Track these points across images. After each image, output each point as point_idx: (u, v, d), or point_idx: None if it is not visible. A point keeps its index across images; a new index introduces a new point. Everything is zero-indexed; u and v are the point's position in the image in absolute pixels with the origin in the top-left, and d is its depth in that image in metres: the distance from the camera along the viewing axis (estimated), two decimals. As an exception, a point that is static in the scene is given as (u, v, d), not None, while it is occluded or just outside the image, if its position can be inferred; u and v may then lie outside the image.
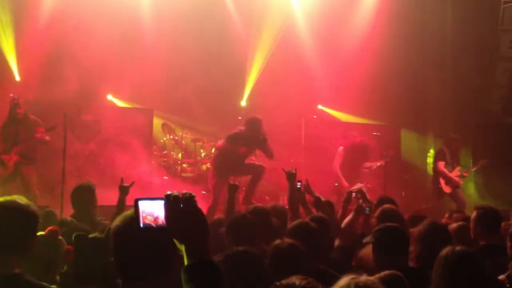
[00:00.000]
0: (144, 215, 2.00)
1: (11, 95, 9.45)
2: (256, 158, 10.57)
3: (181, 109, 11.52)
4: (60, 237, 3.38)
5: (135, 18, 11.17)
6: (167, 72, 11.28)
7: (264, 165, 8.85)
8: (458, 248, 3.35)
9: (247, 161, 8.77)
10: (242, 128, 8.50)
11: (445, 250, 3.34)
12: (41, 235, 3.21)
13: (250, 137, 8.31)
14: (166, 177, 10.36)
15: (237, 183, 5.73)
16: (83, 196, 5.42)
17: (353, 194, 5.90)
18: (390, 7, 11.13)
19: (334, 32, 11.53)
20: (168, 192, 1.98)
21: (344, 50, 11.50)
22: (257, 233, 4.28)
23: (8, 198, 2.74)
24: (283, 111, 11.56)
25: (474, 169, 9.58)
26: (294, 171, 5.85)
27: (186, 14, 11.11)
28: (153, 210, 2.00)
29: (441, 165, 9.64)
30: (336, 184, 9.59)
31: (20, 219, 2.66)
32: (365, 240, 4.05)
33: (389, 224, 3.94)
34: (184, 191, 2.01)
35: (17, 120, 8.13)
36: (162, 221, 1.98)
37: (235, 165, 8.41)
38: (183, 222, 1.94)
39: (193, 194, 2.02)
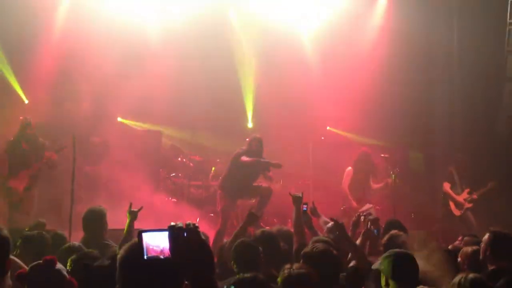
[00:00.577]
0: (149, 247, 2.00)
1: (20, 117, 9.58)
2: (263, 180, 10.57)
3: (189, 130, 11.57)
4: (57, 266, 3.22)
5: (143, 39, 11.28)
6: (175, 93, 11.37)
7: (271, 187, 8.84)
8: (471, 275, 3.31)
9: (254, 183, 8.78)
10: (244, 147, 8.52)
11: (457, 278, 3.30)
12: (37, 264, 3.12)
13: (252, 156, 8.36)
14: (174, 200, 10.36)
15: (258, 214, 5.65)
16: (95, 220, 5.43)
17: (362, 217, 5.86)
18: (396, 27, 11.17)
19: (341, 52, 11.57)
20: (172, 223, 1.99)
21: (351, 70, 11.53)
22: (264, 258, 4.28)
23: None
24: (291, 133, 11.60)
25: (484, 191, 9.48)
26: (300, 195, 5.83)
27: (193, 35, 11.21)
28: (157, 242, 2.01)
29: (447, 186, 9.57)
30: (344, 206, 9.54)
31: None
32: (374, 266, 4.02)
33: (398, 250, 3.91)
34: (188, 222, 2.01)
35: (26, 140, 8.11)
36: (167, 252, 1.98)
37: (242, 187, 8.42)
38: (188, 254, 1.94)
39: (197, 225, 2.02)
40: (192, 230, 1.98)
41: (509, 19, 9.55)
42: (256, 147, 8.46)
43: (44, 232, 5.16)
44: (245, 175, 8.40)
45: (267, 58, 11.78)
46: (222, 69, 11.54)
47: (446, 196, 9.65)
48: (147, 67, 11.32)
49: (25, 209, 8.11)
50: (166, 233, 1.99)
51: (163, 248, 2.01)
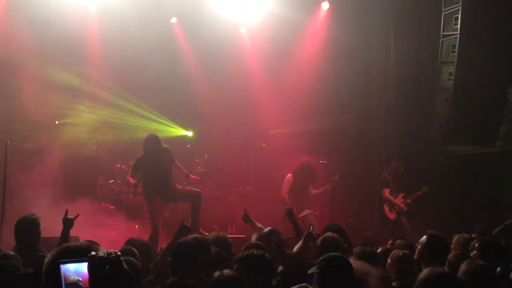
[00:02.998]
0: (67, 279, 1.90)
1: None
2: (206, 185, 10.55)
3: (126, 136, 11.39)
4: None
5: (81, 39, 11.03)
6: (112, 99, 11.22)
7: (200, 191, 8.84)
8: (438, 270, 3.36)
9: (180, 186, 8.75)
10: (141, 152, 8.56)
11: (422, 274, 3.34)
12: None
13: (149, 155, 8.38)
14: (113, 207, 10.17)
15: (187, 225, 5.58)
16: (28, 228, 5.24)
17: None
18: (335, 37, 11.43)
19: (281, 59, 11.74)
20: (93, 253, 1.89)
21: (291, 77, 11.71)
22: (196, 263, 4.28)
23: None
24: (232, 140, 11.63)
25: (417, 195, 9.83)
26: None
27: (136, 42, 11.07)
28: (76, 273, 1.91)
29: (387, 192, 9.85)
30: (284, 211, 9.62)
31: None
32: (310, 271, 4.08)
33: (333, 254, 3.98)
34: (109, 251, 1.91)
35: None
36: (86, 284, 1.88)
37: (158, 187, 8.34)
38: (109, 284, 1.85)
39: (119, 253, 1.91)
40: (114, 260, 1.87)
41: (442, 31, 9.95)
42: (145, 143, 8.48)
43: None
44: (155, 176, 8.34)
45: (208, 65, 11.79)
46: (163, 75, 11.44)
47: (382, 201, 9.93)
48: (86, 70, 11.15)
49: None
50: (85, 264, 1.87)
51: (81, 279, 1.90)
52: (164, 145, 8.62)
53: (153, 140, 8.48)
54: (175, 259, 4.27)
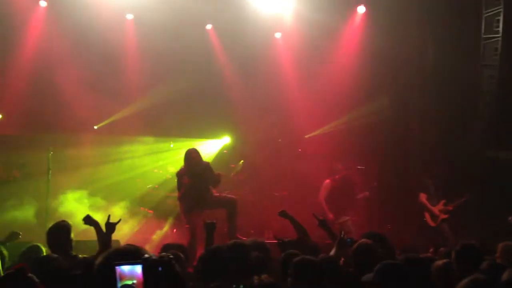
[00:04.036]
0: (122, 279, 1.95)
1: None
2: (242, 190, 10.55)
3: (162, 141, 11.50)
4: (30, 274, 3.24)
5: (118, 50, 11.25)
6: (151, 105, 11.36)
7: (235, 198, 8.86)
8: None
9: (217, 193, 8.79)
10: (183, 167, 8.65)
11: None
12: (9, 272, 3.12)
13: (190, 169, 8.46)
14: (151, 211, 10.29)
15: (213, 221, 5.66)
16: (59, 233, 5.34)
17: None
18: (371, 41, 11.30)
19: (317, 65, 11.68)
20: (146, 256, 1.95)
21: (327, 82, 11.63)
22: (234, 268, 4.27)
23: None
24: (268, 145, 11.63)
25: (459, 202, 9.58)
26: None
27: (171, 47, 11.21)
28: (131, 275, 1.96)
29: (423, 197, 9.65)
30: (321, 217, 9.53)
31: None
32: (365, 279, 4.00)
33: (390, 262, 3.92)
34: (162, 254, 1.97)
35: None
36: (140, 285, 1.93)
37: (198, 200, 8.42)
38: (161, 287, 1.89)
39: (172, 256, 1.97)
40: (167, 263, 1.93)
41: (483, 34, 9.73)
42: (189, 158, 8.56)
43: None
44: (196, 189, 8.43)
45: (244, 72, 11.82)
46: (199, 80, 11.54)
47: (422, 207, 9.73)
48: (122, 76, 11.34)
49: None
50: (139, 266, 1.93)
51: (136, 281, 1.95)
52: (204, 160, 8.69)
53: (194, 155, 8.58)
54: (205, 264, 4.28)
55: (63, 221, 5.55)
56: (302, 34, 11.57)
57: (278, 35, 12.25)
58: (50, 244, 5.28)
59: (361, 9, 11.74)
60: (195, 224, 8.38)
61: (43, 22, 10.73)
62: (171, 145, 10.52)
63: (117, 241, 6.83)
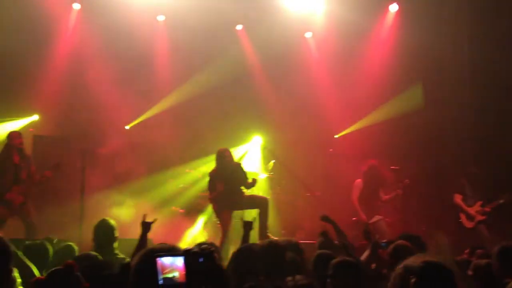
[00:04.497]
0: (164, 271, 1.96)
1: (30, 129, 9.67)
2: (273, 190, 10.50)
3: (193, 142, 11.56)
4: (77, 273, 3.29)
5: (150, 50, 11.36)
6: (182, 106, 11.44)
7: (267, 198, 8.84)
8: None
9: (245, 194, 8.78)
10: (215, 167, 8.66)
11: None
12: (57, 269, 3.16)
13: (222, 169, 8.48)
14: (182, 210, 10.35)
15: (251, 221, 5.69)
16: (106, 232, 5.45)
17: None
18: (405, 40, 11.14)
19: (348, 64, 11.56)
20: (187, 248, 1.96)
21: (358, 82, 11.53)
22: (269, 268, 4.24)
23: None
24: (299, 145, 11.57)
25: (497, 203, 9.31)
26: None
27: (200, 46, 11.27)
28: (172, 266, 1.98)
29: (458, 198, 9.41)
30: (354, 218, 9.46)
31: None
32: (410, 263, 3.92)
33: (433, 260, 3.83)
34: (203, 246, 1.98)
35: (19, 153, 8.03)
36: (182, 277, 1.93)
37: (230, 200, 8.43)
38: (203, 279, 1.89)
39: (213, 249, 1.98)
40: (208, 255, 1.92)
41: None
42: (221, 157, 8.56)
43: (45, 242, 5.19)
44: (227, 189, 8.44)
45: (274, 72, 11.80)
46: (229, 81, 11.57)
47: (457, 208, 9.52)
48: (156, 78, 11.46)
49: (24, 222, 8.05)
50: (180, 258, 1.94)
51: (177, 272, 1.96)
52: (236, 161, 8.74)
53: (226, 154, 8.61)
54: (238, 263, 4.26)
55: (109, 218, 5.64)
56: (333, 33, 11.50)
57: (308, 34, 12.18)
58: (95, 241, 5.39)
59: (394, 7, 11.60)
60: (227, 224, 8.43)
61: (77, 24, 10.92)
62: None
63: (150, 240, 6.89)
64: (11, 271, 2.54)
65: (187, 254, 1.91)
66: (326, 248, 5.00)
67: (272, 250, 4.43)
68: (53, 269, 3.15)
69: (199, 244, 5.19)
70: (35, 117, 10.73)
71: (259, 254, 4.28)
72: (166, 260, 1.96)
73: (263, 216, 8.50)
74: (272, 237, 8.23)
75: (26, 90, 10.28)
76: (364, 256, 5.22)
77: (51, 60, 10.67)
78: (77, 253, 5.26)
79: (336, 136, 11.95)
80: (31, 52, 10.17)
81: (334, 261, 4.06)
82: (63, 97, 10.69)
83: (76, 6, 10.93)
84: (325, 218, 6.19)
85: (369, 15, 11.39)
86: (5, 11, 9.69)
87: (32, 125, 10.63)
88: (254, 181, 8.66)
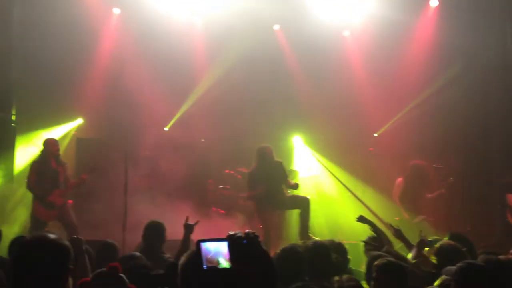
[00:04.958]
0: (208, 256, 1.97)
1: (74, 132, 9.91)
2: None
3: (235, 143, 11.61)
4: (121, 274, 3.33)
5: (190, 52, 11.47)
6: (220, 106, 11.50)
7: (308, 197, 8.76)
8: None
9: (286, 194, 8.72)
10: (254, 165, 8.58)
11: None
12: (102, 271, 3.21)
13: (263, 167, 8.37)
14: (223, 211, 10.39)
15: (192, 224, 5.52)
16: (155, 232, 5.54)
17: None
18: (445, 38, 10.91)
19: (387, 63, 11.40)
20: (231, 232, 1.95)
21: (398, 81, 11.36)
22: (316, 269, 4.22)
23: (37, 233, 2.67)
24: (338, 144, 11.48)
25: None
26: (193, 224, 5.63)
27: (239, 48, 11.31)
28: (216, 252, 1.98)
29: (510, 197, 9.16)
30: (397, 218, 9.31)
31: (51, 253, 2.54)
32: (446, 272, 3.85)
33: (472, 262, 3.78)
34: (247, 231, 1.97)
35: (56, 160, 8.27)
36: (226, 263, 1.94)
37: (272, 198, 8.36)
38: (249, 265, 1.89)
39: (257, 234, 1.98)
40: (253, 239, 1.92)
41: None
42: (263, 154, 8.49)
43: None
44: (268, 188, 8.38)
45: (312, 71, 11.73)
46: (268, 81, 11.58)
47: (504, 208, 9.25)
48: (194, 79, 11.57)
49: (65, 223, 8.25)
50: (225, 243, 1.95)
51: (221, 257, 1.97)
52: (277, 159, 8.67)
53: (267, 151, 8.52)
54: (282, 264, 4.25)
55: (158, 221, 5.73)
56: (371, 31, 11.34)
57: (346, 33, 12.07)
58: (144, 241, 5.49)
59: (434, 3, 11.38)
60: (268, 224, 8.39)
61: (117, 29, 11.12)
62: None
63: (192, 241, 6.95)
64: (72, 270, 2.60)
65: (231, 239, 1.89)
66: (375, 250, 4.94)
67: (317, 250, 4.41)
68: (98, 271, 3.21)
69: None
70: (79, 121, 11.00)
71: (304, 255, 4.26)
72: (210, 245, 1.94)
73: (304, 216, 8.44)
74: (314, 237, 8.20)
75: (70, 94, 10.52)
76: (411, 255, 5.14)
77: (93, 64, 10.89)
78: (118, 253, 5.36)
79: (375, 135, 11.81)
80: (74, 57, 10.38)
81: (377, 262, 4.01)
82: (104, 99, 10.91)
83: (116, 10, 11.13)
84: (362, 219, 6.11)
85: (408, 12, 11.19)
86: (49, 18, 9.93)
87: (75, 127, 10.90)
88: (296, 185, 8.59)
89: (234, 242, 1.91)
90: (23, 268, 2.46)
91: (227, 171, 10.95)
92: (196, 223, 5.44)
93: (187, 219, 5.42)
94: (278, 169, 8.57)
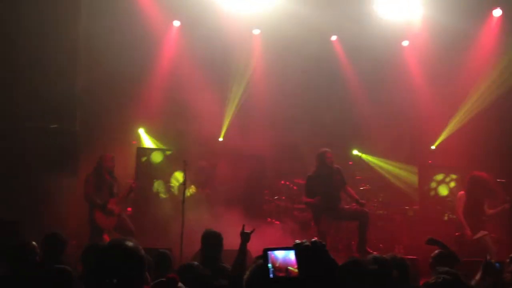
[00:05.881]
0: (275, 265, 1.97)
1: (133, 142, 10.18)
2: (370, 203, 10.29)
3: (291, 154, 11.60)
4: (180, 284, 3.35)
5: (245, 62, 11.57)
6: (277, 119, 11.53)
7: (367, 211, 8.61)
8: None
9: (347, 206, 8.59)
10: (313, 169, 8.53)
11: None
12: (160, 281, 3.24)
13: (322, 170, 8.30)
14: (278, 222, 10.38)
15: (249, 232, 5.45)
16: (213, 241, 5.59)
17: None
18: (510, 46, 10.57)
19: (448, 73, 11.13)
20: (298, 242, 1.95)
21: (457, 92, 11.07)
22: (375, 284, 4.12)
23: (116, 240, 2.68)
24: (396, 156, 11.28)
25: None
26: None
27: (294, 58, 11.32)
28: (283, 261, 1.97)
29: None
30: (457, 233, 9.01)
31: (128, 261, 2.55)
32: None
33: None
34: (314, 240, 1.96)
35: (108, 172, 8.56)
36: (294, 271, 1.93)
37: (330, 204, 8.26)
38: (317, 273, 1.88)
39: (324, 243, 1.97)
40: (320, 248, 1.92)
41: None
42: (322, 158, 8.40)
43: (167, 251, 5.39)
44: (326, 193, 8.26)
45: (370, 82, 11.60)
46: (324, 92, 11.53)
47: None
48: (250, 92, 11.66)
49: (124, 230, 8.45)
50: (291, 252, 1.95)
51: (288, 266, 1.96)
52: (336, 165, 8.61)
53: (326, 156, 8.48)
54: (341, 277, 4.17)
55: (215, 230, 5.77)
56: (432, 41, 11.11)
57: (405, 43, 11.88)
58: (202, 250, 5.55)
59: (497, 12, 11.04)
60: (324, 231, 8.29)
61: (177, 41, 11.37)
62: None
63: (248, 251, 6.96)
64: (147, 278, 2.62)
65: (299, 248, 1.87)
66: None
67: (379, 266, 4.31)
68: (157, 281, 3.25)
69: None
70: (140, 131, 11.29)
71: (366, 270, 4.17)
72: (278, 254, 1.93)
73: (363, 229, 8.32)
74: (371, 251, 8.06)
75: (131, 104, 10.79)
76: (477, 277, 4.92)
77: (153, 75, 11.15)
78: (171, 261, 5.41)
79: (433, 147, 11.53)
80: (135, 68, 10.65)
81: (431, 282, 3.88)
82: (163, 110, 11.13)
83: (176, 23, 11.38)
84: (431, 241, 5.87)
85: (470, 21, 10.90)
86: (112, 30, 10.25)
87: (134, 137, 11.17)
88: (363, 204, 8.49)
89: (302, 251, 1.90)
90: (99, 274, 2.50)
91: (282, 182, 10.94)
92: (252, 231, 5.42)
93: (243, 227, 5.42)
94: (337, 174, 8.48)
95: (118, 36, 10.20)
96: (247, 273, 2.23)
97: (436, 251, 5.37)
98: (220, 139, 11.73)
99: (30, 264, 5.00)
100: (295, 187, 10.72)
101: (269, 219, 10.45)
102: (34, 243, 5.19)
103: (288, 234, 9.90)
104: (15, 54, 9.03)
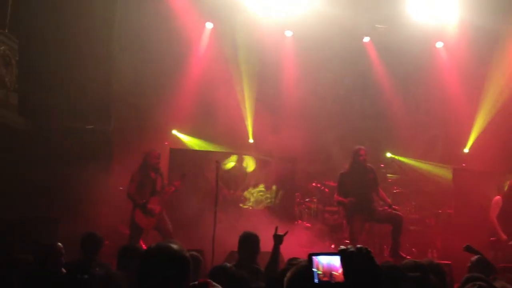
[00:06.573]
0: (319, 270, 1.98)
1: (166, 143, 10.30)
2: (403, 206, 10.18)
3: (322, 157, 11.56)
4: (214, 284, 3.34)
5: (277, 66, 11.57)
6: (309, 121, 11.51)
7: (402, 215, 8.50)
8: None
9: (381, 207, 8.50)
10: (346, 166, 8.46)
11: None
12: (193, 285, 3.24)
13: (355, 168, 8.21)
14: (309, 224, 10.36)
15: (282, 234, 5.43)
16: (252, 243, 5.60)
17: None
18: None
19: (482, 75, 10.94)
20: (342, 247, 1.96)
21: (491, 92, 10.87)
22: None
23: (162, 243, 2.67)
24: (429, 159, 11.15)
25: None
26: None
27: (327, 63, 11.28)
28: (328, 266, 1.98)
29: None
30: (493, 238, 8.84)
31: (172, 264, 2.56)
32: None
33: None
34: (359, 246, 1.97)
35: (154, 170, 8.53)
36: (338, 277, 1.94)
37: (362, 204, 8.17)
38: (363, 279, 1.88)
39: (370, 249, 1.97)
40: (365, 254, 1.92)
41: None
42: (355, 156, 8.29)
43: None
44: (358, 191, 8.19)
45: (403, 84, 11.49)
46: (356, 96, 11.47)
47: None
48: (281, 94, 11.66)
49: (162, 230, 8.48)
50: (337, 257, 1.96)
51: (333, 272, 1.97)
52: (369, 164, 8.53)
53: (360, 153, 8.35)
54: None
55: (254, 233, 5.78)
56: (467, 42, 10.94)
57: (439, 44, 11.72)
58: (239, 251, 5.57)
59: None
60: (356, 231, 8.21)
61: (210, 42, 11.45)
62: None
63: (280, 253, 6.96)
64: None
65: (344, 253, 1.89)
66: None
67: (416, 271, 4.27)
68: (190, 284, 3.25)
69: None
70: (174, 132, 11.41)
71: (403, 274, 4.13)
72: (323, 259, 1.94)
73: (396, 233, 8.21)
74: (404, 255, 7.98)
75: (164, 106, 10.90)
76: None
77: (186, 77, 11.25)
78: (202, 264, 5.43)
79: (466, 150, 11.34)
80: (169, 70, 10.78)
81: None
82: (196, 111, 11.22)
83: (209, 25, 11.47)
84: (469, 249, 5.77)
85: (505, 23, 10.70)
86: (146, 32, 10.39)
87: (167, 138, 11.29)
88: (397, 210, 8.40)
89: (347, 257, 1.91)
90: (143, 276, 2.50)
91: (314, 184, 10.91)
92: (285, 234, 5.44)
93: (276, 229, 5.43)
94: (370, 173, 8.37)
95: (151, 38, 10.33)
96: (288, 275, 2.24)
97: (476, 256, 5.29)
98: (250, 140, 11.75)
99: (56, 265, 5.10)
100: (326, 189, 10.67)
101: (300, 221, 10.43)
102: (59, 244, 5.29)
103: (318, 237, 9.88)
104: (55, 59, 9.21)
